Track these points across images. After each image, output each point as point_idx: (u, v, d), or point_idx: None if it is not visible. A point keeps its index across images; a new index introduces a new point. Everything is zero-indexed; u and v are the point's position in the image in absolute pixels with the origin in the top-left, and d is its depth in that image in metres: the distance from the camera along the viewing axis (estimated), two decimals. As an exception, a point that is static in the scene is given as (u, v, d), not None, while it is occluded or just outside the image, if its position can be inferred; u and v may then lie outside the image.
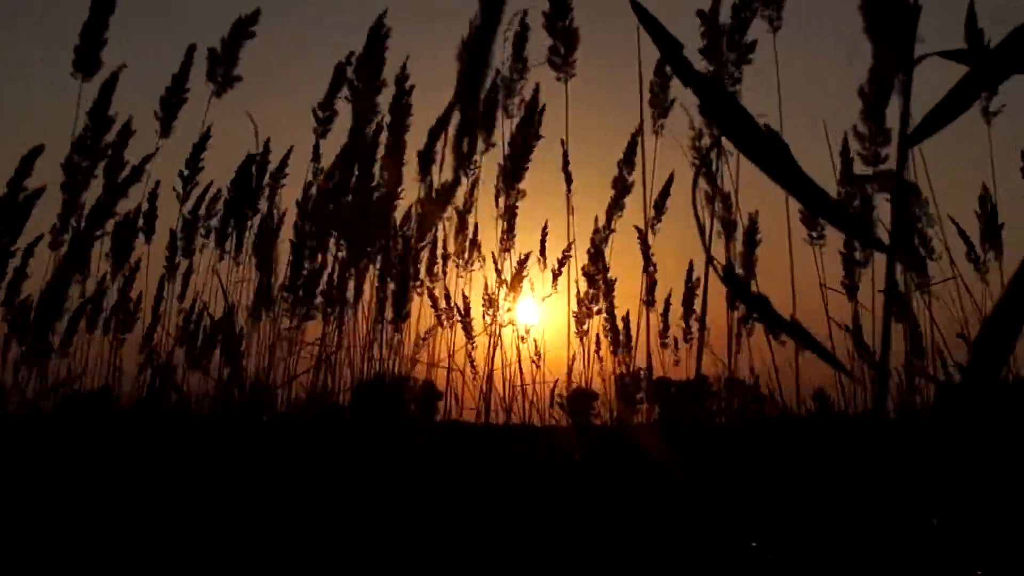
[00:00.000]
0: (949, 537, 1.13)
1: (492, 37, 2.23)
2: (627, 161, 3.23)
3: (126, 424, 2.21)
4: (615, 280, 3.43)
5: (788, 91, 2.60)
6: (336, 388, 2.39)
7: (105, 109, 2.72)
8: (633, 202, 3.31)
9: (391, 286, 2.60)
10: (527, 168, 2.75)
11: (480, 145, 2.70)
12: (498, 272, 3.05)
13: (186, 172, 3.01)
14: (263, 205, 3.06)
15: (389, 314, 2.61)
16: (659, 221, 3.27)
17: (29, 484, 1.59)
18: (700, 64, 2.66)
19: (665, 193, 3.28)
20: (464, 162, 2.50)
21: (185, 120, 2.95)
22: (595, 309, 3.39)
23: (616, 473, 2.08)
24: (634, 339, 3.44)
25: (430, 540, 1.50)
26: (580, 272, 3.35)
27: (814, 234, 2.73)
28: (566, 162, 3.11)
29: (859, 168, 2.45)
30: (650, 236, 3.17)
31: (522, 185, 2.78)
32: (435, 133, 2.71)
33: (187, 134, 3.01)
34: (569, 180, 3.13)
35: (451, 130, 2.53)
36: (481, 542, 1.52)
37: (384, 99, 2.78)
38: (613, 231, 3.33)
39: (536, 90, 2.79)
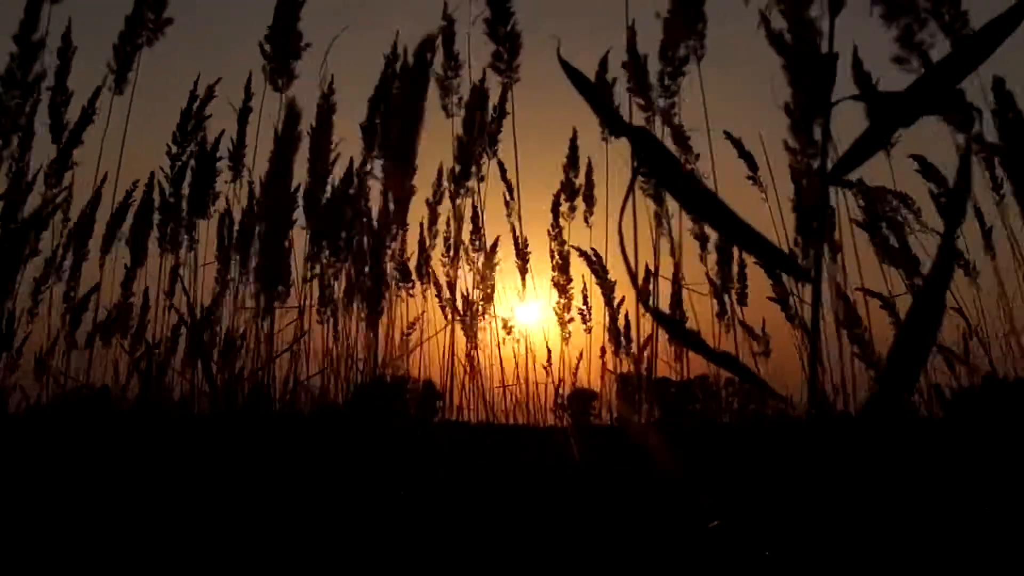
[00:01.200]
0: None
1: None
2: (572, 165, 3.27)
3: (125, 424, 2.21)
4: (614, 283, 3.44)
5: (716, 112, 2.63)
6: (335, 388, 2.39)
7: (32, 29, 2.28)
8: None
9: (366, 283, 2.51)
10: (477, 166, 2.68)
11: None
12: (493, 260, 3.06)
13: (174, 148, 2.70)
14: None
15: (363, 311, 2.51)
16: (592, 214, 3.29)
17: (29, 484, 1.59)
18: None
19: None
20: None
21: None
22: (567, 318, 3.40)
23: (616, 473, 2.08)
24: (634, 340, 3.46)
25: (430, 540, 1.50)
26: (551, 282, 3.37)
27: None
28: (503, 171, 3.08)
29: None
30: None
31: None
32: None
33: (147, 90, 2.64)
34: (511, 189, 3.10)
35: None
36: (481, 542, 1.53)
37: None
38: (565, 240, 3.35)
39: (474, 88, 2.74)
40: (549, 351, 3.27)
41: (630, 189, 0.78)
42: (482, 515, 1.69)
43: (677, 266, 2.66)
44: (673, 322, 0.63)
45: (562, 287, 3.36)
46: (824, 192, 0.57)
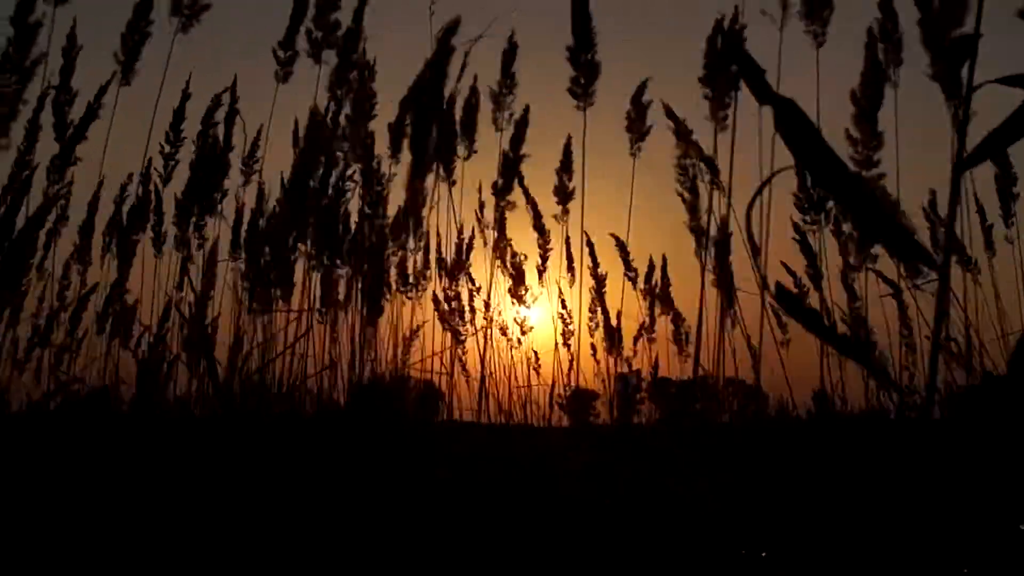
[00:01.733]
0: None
1: (443, 82, 2.16)
2: (564, 168, 3.31)
3: (125, 425, 2.21)
4: (605, 274, 3.48)
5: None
6: (335, 388, 2.38)
7: (30, 11, 2.23)
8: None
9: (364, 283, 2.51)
10: (515, 181, 2.82)
11: (462, 151, 2.75)
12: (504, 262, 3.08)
13: (167, 148, 2.69)
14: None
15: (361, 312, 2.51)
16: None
17: (29, 484, 1.59)
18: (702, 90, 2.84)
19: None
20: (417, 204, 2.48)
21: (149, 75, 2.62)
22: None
23: (616, 473, 2.07)
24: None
25: (430, 540, 1.49)
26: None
27: (807, 219, 2.74)
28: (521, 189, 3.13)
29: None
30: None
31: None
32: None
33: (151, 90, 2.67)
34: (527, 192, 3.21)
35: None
36: (481, 542, 1.52)
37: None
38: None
39: (526, 109, 2.85)
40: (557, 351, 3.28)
41: (764, 183, 0.75)
42: (482, 515, 1.69)
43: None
44: (797, 302, 0.60)
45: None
46: (956, 178, 0.55)
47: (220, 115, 2.73)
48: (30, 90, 2.27)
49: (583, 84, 2.85)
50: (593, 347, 3.49)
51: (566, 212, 3.32)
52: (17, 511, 1.47)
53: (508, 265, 3.19)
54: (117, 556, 1.37)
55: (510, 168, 2.76)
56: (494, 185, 2.79)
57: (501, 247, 3.14)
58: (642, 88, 3.13)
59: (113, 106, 2.53)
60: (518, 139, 2.77)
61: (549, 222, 3.34)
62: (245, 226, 2.69)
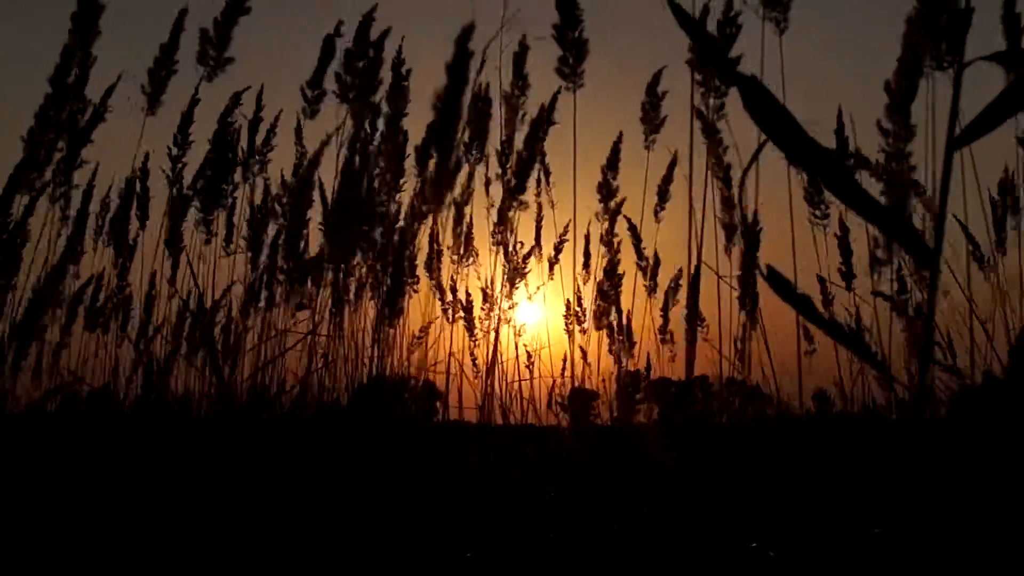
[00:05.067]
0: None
1: (463, 90, 2.19)
2: (611, 166, 3.29)
3: (126, 425, 2.21)
4: (622, 275, 3.45)
5: (793, 89, 2.62)
6: (335, 388, 2.38)
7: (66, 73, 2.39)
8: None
9: (387, 282, 2.55)
10: (529, 181, 2.80)
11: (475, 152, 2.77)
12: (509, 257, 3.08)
13: (175, 150, 2.75)
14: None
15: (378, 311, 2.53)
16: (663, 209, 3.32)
17: (30, 485, 1.59)
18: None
19: (665, 193, 3.32)
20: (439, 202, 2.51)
21: (174, 105, 2.74)
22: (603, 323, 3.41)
23: (616, 473, 2.08)
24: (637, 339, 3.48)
25: (430, 540, 1.50)
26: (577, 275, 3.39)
27: (817, 213, 2.73)
28: (547, 172, 3.19)
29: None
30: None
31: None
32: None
33: (176, 117, 2.79)
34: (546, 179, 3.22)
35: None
36: (481, 542, 1.52)
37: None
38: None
39: (542, 108, 2.84)
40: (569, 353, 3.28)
41: (753, 158, 0.75)
42: (482, 515, 1.70)
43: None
44: (787, 285, 0.60)
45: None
46: (948, 158, 0.54)
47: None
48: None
49: (571, 64, 2.74)
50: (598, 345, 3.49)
51: (608, 211, 3.32)
52: (17, 511, 1.47)
53: (516, 258, 3.19)
54: (118, 556, 1.37)
55: (524, 168, 2.72)
56: (507, 183, 2.77)
57: (506, 241, 3.13)
58: (657, 77, 3.06)
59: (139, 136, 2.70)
60: (533, 138, 2.73)
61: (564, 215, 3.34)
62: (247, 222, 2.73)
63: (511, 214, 2.83)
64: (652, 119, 3.05)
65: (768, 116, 0.53)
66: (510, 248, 2.97)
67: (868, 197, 0.53)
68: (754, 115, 0.54)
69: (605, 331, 3.45)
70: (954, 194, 2.96)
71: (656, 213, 3.32)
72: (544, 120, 2.80)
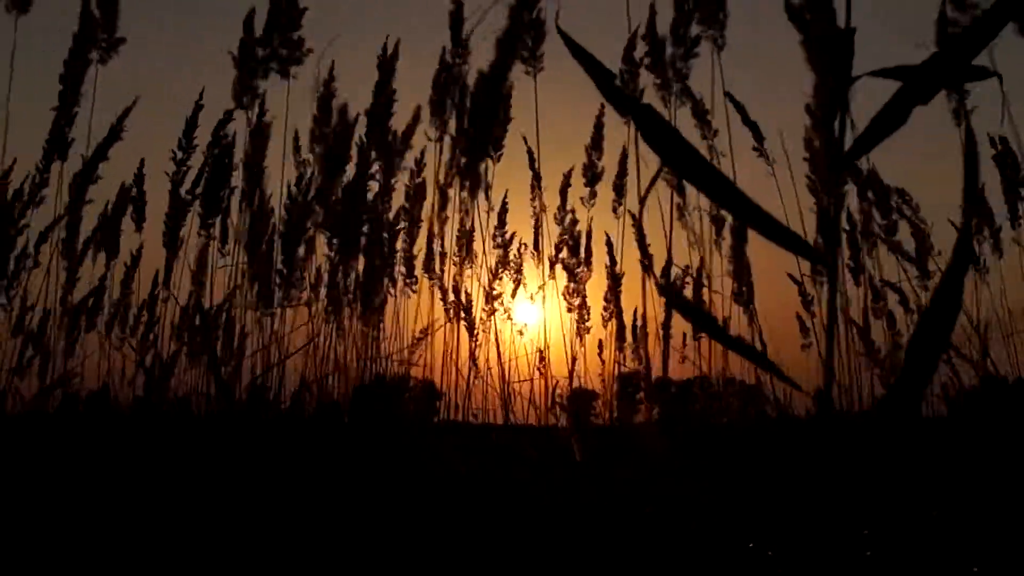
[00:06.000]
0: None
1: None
2: (595, 146, 3.20)
3: (126, 425, 2.20)
4: (622, 275, 3.42)
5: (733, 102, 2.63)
6: (335, 388, 2.38)
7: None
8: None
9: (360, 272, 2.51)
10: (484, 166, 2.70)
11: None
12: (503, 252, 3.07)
13: (179, 153, 2.73)
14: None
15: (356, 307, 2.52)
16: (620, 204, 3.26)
17: (30, 485, 1.59)
18: (647, 77, 2.78)
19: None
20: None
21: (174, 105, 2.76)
22: (575, 303, 3.38)
23: (616, 473, 2.08)
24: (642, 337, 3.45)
25: (430, 540, 1.50)
26: (561, 265, 3.36)
27: None
28: (532, 159, 3.11)
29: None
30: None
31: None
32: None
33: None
34: (538, 178, 3.15)
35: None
36: (481, 542, 1.52)
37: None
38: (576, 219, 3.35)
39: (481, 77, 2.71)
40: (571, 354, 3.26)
41: (653, 180, 0.77)
42: (482, 515, 1.69)
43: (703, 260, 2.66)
44: (693, 309, 0.62)
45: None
46: (839, 174, 0.57)
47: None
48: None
49: (531, 47, 2.61)
50: (600, 345, 3.48)
51: (593, 196, 3.25)
52: (17, 512, 1.47)
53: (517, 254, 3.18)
54: (117, 556, 1.37)
55: (473, 147, 2.62)
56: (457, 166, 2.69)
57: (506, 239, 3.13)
58: (632, 42, 2.87)
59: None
60: (479, 114, 2.62)
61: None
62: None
63: (464, 194, 2.73)
64: (631, 91, 2.90)
65: (663, 141, 0.56)
66: (467, 225, 2.91)
67: (760, 211, 0.55)
68: (649, 141, 0.56)
69: (607, 331, 3.45)
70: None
71: (615, 210, 3.29)
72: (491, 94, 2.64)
